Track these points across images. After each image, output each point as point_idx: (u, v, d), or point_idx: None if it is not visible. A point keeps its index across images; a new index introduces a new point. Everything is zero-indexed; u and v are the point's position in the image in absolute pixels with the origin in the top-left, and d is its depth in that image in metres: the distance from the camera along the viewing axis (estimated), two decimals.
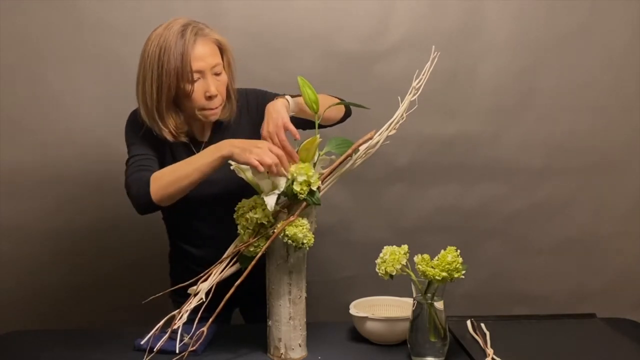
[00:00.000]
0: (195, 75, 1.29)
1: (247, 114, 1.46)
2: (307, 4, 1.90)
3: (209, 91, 1.31)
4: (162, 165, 1.35)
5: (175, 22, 1.32)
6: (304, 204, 1.19)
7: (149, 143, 1.37)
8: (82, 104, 1.89)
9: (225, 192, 1.37)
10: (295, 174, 1.17)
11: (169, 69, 1.26)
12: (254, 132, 1.43)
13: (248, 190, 1.25)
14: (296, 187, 1.17)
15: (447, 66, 1.88)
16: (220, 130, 1.43)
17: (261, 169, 1.14)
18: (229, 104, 1.40)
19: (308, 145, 1.22)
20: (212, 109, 1.33)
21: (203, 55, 1.29)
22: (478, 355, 1.25)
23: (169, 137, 1.34)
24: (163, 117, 1.32)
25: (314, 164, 1.25)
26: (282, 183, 1.17)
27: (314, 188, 1.18)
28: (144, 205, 1.25)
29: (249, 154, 1.14)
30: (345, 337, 1.37)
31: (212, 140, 1.38)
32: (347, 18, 1.91)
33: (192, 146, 1.41)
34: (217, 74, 1.33)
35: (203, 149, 1.30)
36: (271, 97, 1.42)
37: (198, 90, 1.30)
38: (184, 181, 1.21)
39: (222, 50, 1.36)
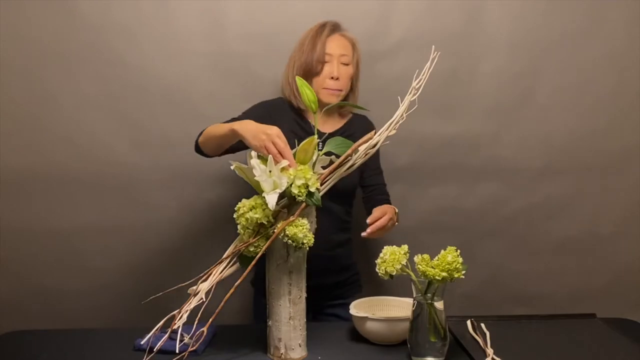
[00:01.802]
0: (326, 57, 1.58)
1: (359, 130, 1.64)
2: (307, 4, 1.90)
3: (333, 73, 1.58)
4: None
5: (322, 21, 1.64)
6: (304, 204, 1.19)
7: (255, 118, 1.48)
8: (82, 104, 1.89)
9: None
10: (293, 177, 1.17)
11: (307, 50, 1.59)
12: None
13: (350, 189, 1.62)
14: (294, 190, 1.17)
15: (447, 66, 1.88)
16: (346, 126, 1.67)
17: (265, 152, 1.22)
18: (352, 96, 1.66)
19: (305, 146, 1.22)
20: (332, 89, 1.58)
21: (335, 44, 1.60)
22: (478, 355, 1.25)
23: (302, 105, 1.62)
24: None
25: (313, 164, 1.25)
26: (284, 182, 1.17)
27: (312, 190, 1.18)
28: (195, 146, 1.52)
29: (256, 142, 1.23)
30: (345, 337, 1.37)
31: (337, 132, 1.64)
32: (347, 18, 1.90)
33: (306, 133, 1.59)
34: (344, 64, 1.60)
35: (325, 138, 1.60)
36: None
37: (325, 71, 1.58)
38: (210, 135, 1.44)
39: (353, 48, 1.64)
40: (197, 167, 1.92)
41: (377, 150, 1.55)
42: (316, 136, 1.23)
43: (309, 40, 1.60)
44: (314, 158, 1.25)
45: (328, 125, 1.66)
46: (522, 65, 1.96)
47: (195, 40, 1.88)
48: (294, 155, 1.23)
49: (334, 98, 1.59)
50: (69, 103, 1.88)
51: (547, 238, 2.07)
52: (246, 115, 1.58)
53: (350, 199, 1.69)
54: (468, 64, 1.95)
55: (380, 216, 1.47)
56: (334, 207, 1.60)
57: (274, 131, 1.23)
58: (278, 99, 1.69)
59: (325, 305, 1.66)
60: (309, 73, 1.58)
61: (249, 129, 1.27)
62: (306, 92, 1.26)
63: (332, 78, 1.58)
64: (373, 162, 1.70)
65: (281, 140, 1.22)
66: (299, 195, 1.17)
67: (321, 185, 1.24)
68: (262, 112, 1.61)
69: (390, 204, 1.68)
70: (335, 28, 1.63)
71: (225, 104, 1.91)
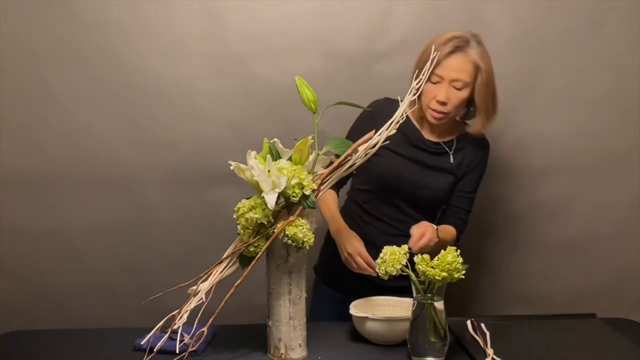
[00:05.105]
0: (435, 78, 1.46)
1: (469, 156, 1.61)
2: (307, 4, 1.90)
3: (438, 97, 1.47)
4: None
5: (454, 32, 1.48)
6: None
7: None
8: (82, 104, 1.89)
9: (410, 188, 1.56)
10: (290, 177, 1.17)
11: (421, 65, 1.41)
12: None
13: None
14: (288, 190, 1.17)
15: None
16: (460, 143, 1.60)
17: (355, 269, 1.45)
18: (479, 118, 1.55)
19: (301, 146, 1.21)
20: (435, 110, 1.49)
21: (450, 66, 1.45)
22: (478, 355, 1.25)
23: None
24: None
25: (313, 164, 1.25)
26: (283, 182, 1.17)
27: (307, 192, 1.18)
28: None
29: (344, 260, 1.51)
30: (345, 337, 1.37)
31: (448, 144, 1.59)
32: (347, 18, 1.91)
33: (414, 140, 1.58)
34: (456, 88, 1.47)
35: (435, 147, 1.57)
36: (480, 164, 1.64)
37: (430, 91, 1.47)
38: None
39: (476, 70, 1.48)
40: (197, 167, 1.93)
41: (478, 174, 1.61)
42: (310, 136, 1.22)
43: (428, 53, 1.40)
44: (310, 158, 1.24)
45: (435, 133, 1.59)
46: (522, 64, 1.96)
47: (195, 40, 1.88)
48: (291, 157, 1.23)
49: (435, 121, 1.52)
50: (69, 103, 1.88)
51: (547, 238, 2.07)
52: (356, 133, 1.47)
53: (434, 210, 1.64)
54: None
55: (418, 238, 1.44)
56: (416, 216, 1.57)
57: (352, 249, 1.46)
58: (385, 101, 1.58)
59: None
60: (422, 91, 1.44)
61: (337, 240, 1.52)
62: (305, 92, 1.26)
63: (438, 101, 1.48)
64: (466, 183, 1.61)
65: (362, 256, 1.45)
66: (293, 196, 1.17)
67: (321, 185, 1.24)
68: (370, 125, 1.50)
69: (461, 231, 1.63)
70: (459, 47, 1.46)
71: (224, 104, 1.91)
